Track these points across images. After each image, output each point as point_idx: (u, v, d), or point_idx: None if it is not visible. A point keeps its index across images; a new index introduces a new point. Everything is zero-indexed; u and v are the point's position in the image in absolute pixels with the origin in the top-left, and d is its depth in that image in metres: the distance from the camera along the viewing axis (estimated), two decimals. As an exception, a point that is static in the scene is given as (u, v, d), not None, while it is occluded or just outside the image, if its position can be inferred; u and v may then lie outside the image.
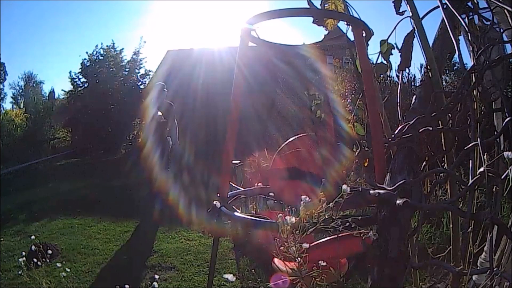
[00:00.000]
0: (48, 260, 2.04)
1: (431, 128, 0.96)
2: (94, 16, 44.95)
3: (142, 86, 10.77)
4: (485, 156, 0.71)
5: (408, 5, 1.20)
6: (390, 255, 0.81)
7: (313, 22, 1.30)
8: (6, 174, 7.26)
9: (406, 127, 1.02)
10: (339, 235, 0.89)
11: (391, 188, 0.85)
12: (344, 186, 0.82)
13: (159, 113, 4.40)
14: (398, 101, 1.28)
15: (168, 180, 4.24)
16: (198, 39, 28.66)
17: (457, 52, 1.06)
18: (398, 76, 1.31)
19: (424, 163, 1.07)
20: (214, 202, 1.31)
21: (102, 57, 10.49)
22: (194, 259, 3.10)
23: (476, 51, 0.95)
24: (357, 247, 0.86)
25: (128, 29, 42.63)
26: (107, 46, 10.64)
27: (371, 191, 0.88)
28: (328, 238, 1.04)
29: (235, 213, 1.37)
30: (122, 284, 1.63)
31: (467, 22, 1.10)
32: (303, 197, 0.85)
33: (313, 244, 1.03)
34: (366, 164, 1.23)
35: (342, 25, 1.36)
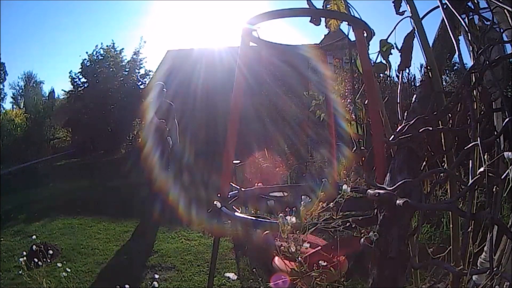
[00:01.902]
0: (48, 260, 2.04)
1: (431, 128, 0.96)
2: (94, 16, 44.95)
3: (142, 86, 10.77)
4: (485, 156, 0.71)
5: (408, 5, 1.20)
6: (390, 255, 0.81)
7: (310, 21, 1.30)
8: (6, 174, 7.26)
9: (406, 127, 1.02)
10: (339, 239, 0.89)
11: (391, 188, 0.85)
12: (345, 186, 0.82)
13: (156, 118, 4.38)
14: (398, 101, 1.28)
15: (168, 180, 4.24)
16: (198, 39, 28.68)
17: (457, 52, 1.06)
18: (398, 76, 1.31)
19: (424, 163, 1.07)
20: (215, 202, 1.31)
21: (102, 57, 10.49)
22: (194, 259, 3.10)
23: (476, 51, 0.95)
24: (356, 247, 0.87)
25: (128, 29, 42.65)
26: (107, 46, 10.65)
27: (371, 191, 0.88)
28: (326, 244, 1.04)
29: (236, 213, 1.37)
30: (122, 284, 1.63)
31: (467, 22, 1.10)
32: (303, 197, 0.85)
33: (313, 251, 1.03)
34: (362, 163, 1.23)
35: (343, 26, 1.36)
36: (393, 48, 1.27)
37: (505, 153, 0.67)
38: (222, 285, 2.62)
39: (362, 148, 1.23)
